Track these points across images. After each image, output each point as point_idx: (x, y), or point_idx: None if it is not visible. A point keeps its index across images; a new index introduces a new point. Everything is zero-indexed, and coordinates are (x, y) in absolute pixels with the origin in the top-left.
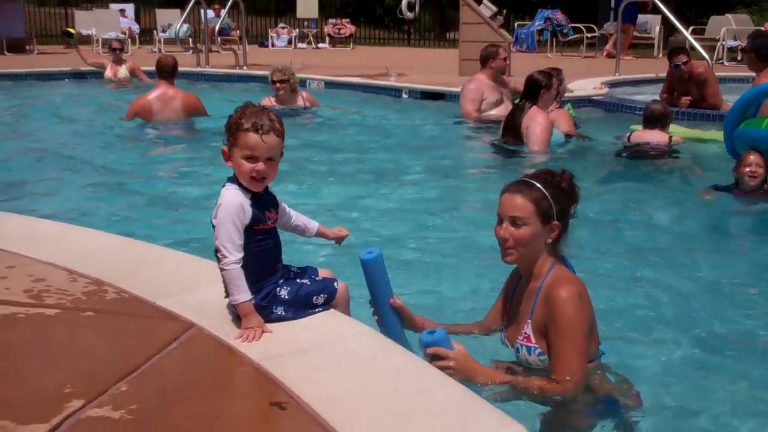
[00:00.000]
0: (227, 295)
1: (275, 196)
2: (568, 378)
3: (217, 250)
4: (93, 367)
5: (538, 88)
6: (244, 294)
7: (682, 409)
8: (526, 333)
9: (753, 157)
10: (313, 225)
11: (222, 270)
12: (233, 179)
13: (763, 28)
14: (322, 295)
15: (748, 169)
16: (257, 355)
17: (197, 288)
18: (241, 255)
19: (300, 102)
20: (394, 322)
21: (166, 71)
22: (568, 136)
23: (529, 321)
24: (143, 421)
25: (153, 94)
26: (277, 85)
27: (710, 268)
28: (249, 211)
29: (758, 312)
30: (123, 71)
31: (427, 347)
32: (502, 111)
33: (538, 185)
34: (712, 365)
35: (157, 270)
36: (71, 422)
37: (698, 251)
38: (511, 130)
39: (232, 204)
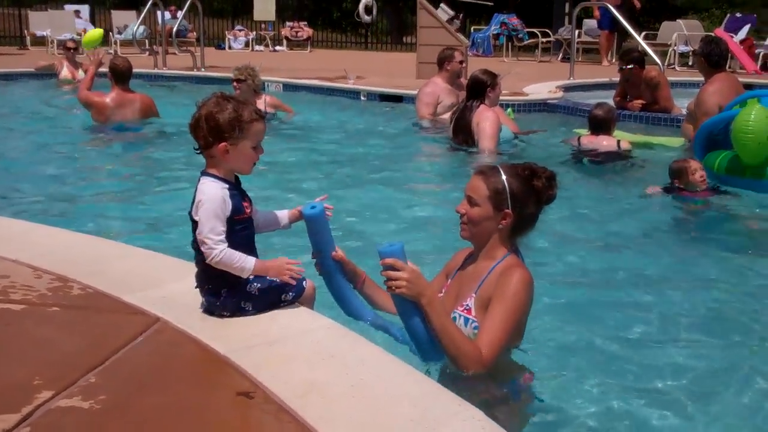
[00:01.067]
0: (198, 285)
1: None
2: (487, 347)
3: (201, 244)
4: (61, 359)
5: (484, 87)
6: (247, 261)
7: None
8: (467, 305)
9: (694, 163)
10: (283, 213)
11: (213, 261)
12: (208, 173)
13: (713, 34)
14: (290, 293)
15: (698, 174)
16: (224, 348)
17: (162, 283)
18: (225, 244)
19: (260, 105)
20: (335, 272)
21: (124, 75)
22: (515, 135)
23: (474, 295)
24: (112, 410)
25: (109, 97)
26: (234, 84)
27: (666, 265)
28: (230, 202)
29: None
30: (81, 73)
31: (384, 257)
32: None
33: (501, 172)
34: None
35: (121, 266)
36: (41, 412)
37: (653, 249)
38: (461, 129)
39: (216, 198)
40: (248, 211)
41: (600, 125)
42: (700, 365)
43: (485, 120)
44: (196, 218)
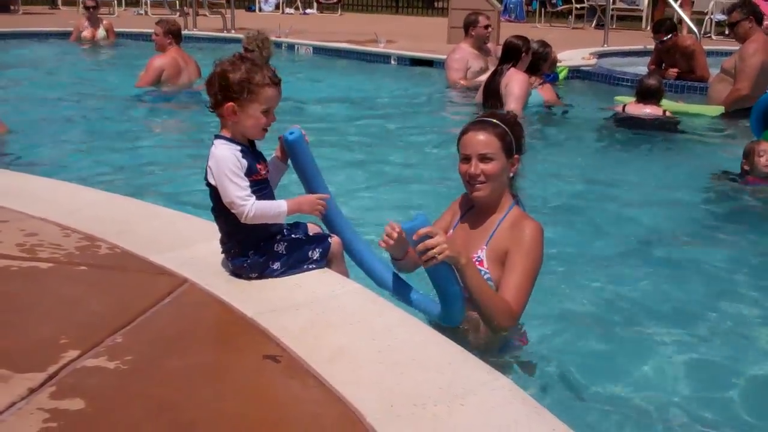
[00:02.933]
0: (224, 250)
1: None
2: (515, 301)
3: (231, 207)
4: (88, 319)
5: (519, 52)
6: (280, 205)
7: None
8: (478, 257)
9: (765, 144)
10: (272, 157)
11: (249, 218)
12: (220, 135)
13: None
14: (317, 250)
15: (765, 158)
16: (251, 310)
17: (190, 244)
18: (253, 198)
19: None
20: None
21: (180, 35)
22: (548, 106)
23: (484, 247)
24: (138, 371)
25: (173, 54)
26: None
27: (713, 252)
28: (243, 161)
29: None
30: (101, 32)
31: (413, 231)
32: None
33: (498, 122)
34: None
35: (149, 226)
36: (68, 371)
37: (703, 232)
38: (492, 94)
39: (227, 157)
40: (263, 172)
41: (651, 94)
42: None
43: (514, 82)
44: (213, 183)
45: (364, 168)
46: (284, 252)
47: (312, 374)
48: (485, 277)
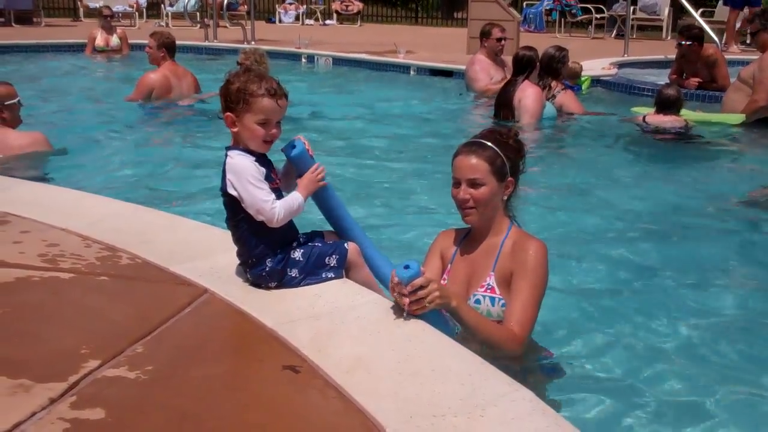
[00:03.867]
0: (241, 261)
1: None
2: (520, 325)
3: (258, 215)
4: (108, 329)
5: (531, 64)
6: (297, 198)
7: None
8: (489, 284)
9: None
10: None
11: (278, 221)
12: (233, 146)
13: None
14: (334, 256)
15: None
16: (271, 321)
17: (210, 255)
18: (276, 201)
19: None
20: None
21: (174, 48)
22: (569, 114)
23: (492, 273)
24: (158, 381)
25: (164, 71)
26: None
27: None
28: (261, 168)
29: None
30: (115, 40)
31: (408, 282)
32: None
33: (490, 144)
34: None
35: (169, 237)
36: (88, 381)
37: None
38: (505, 105)
39: (247, 166)
40: (279, 181)
41: (670, 105)
42: None
43: (528, 97)
44: (235, 194)
45: (382, 178)
46: (301, 258)
47: (332, 385)
48: (500, 303)
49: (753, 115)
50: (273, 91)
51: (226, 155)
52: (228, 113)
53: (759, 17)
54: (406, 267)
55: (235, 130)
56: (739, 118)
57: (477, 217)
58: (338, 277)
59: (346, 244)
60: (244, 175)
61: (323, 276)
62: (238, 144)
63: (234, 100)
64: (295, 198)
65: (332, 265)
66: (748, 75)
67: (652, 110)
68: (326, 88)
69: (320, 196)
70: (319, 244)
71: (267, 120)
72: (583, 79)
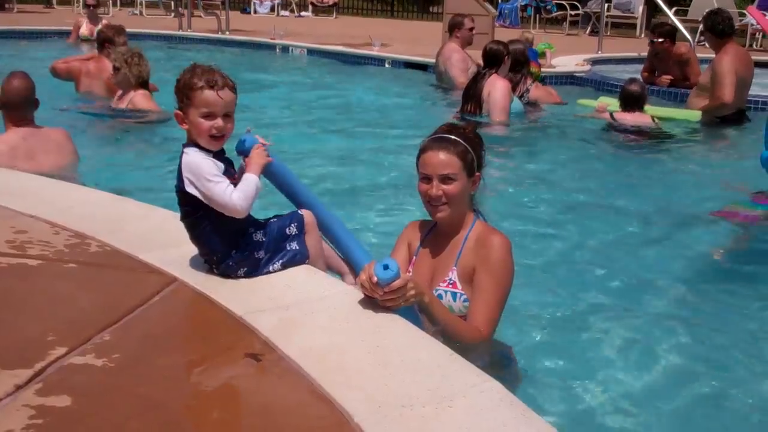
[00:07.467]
0: (206, 260)
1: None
2: (485, 324)
3: (223, 209)
4: (76, 316)
5: (500, 58)
6: (251, 179)
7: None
8: (451, 279)
9: None
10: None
11: (243, 209)
12: (189, 143)
13: (745, 11)
14: (293, 225)
15: None
16: (240, 309)
17: (180, 244)
18: (231, 187)
19: (125, 101)
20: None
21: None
22: (537, 108)
23: (455, 268)
24: (125, 368)
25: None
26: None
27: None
28: (219, 163)
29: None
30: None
31: (386, 284)
32: None
33: (459, 140)
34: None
35: (140, 225)
36: (54, 368)
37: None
38: (472, 98)
39: (201, 162)
40: (236, 177)
41: (635, 101)
42: None
43: (497, 90)
44: (194, 192)
45: (354, 171)
46: (264, 238)
47: (300, 374)
48: (462, 298)
49: (715, 111)
50: (213, 82)
51: (183, 152)
52: (177, 111)
53: (705, 19)
54: (386, 267)
55: (186, 127)
56: (696, 114)
57: (448, 212)
58: (301, 245)
59: (300, 211)
60: (202, 173)
61: (288, 248)
62: (191, 140)
63: (178, 95)
64: (247, 179)
65: (293, 233)
66: (705, 80)
67: (599, 103)
68: (300, 80)
69: (272, 173)
70: (275, 219)
71: (210, 113)
72: (543, 45)
